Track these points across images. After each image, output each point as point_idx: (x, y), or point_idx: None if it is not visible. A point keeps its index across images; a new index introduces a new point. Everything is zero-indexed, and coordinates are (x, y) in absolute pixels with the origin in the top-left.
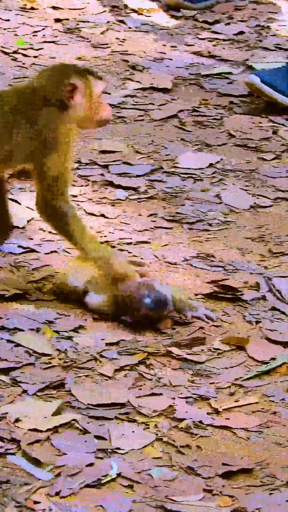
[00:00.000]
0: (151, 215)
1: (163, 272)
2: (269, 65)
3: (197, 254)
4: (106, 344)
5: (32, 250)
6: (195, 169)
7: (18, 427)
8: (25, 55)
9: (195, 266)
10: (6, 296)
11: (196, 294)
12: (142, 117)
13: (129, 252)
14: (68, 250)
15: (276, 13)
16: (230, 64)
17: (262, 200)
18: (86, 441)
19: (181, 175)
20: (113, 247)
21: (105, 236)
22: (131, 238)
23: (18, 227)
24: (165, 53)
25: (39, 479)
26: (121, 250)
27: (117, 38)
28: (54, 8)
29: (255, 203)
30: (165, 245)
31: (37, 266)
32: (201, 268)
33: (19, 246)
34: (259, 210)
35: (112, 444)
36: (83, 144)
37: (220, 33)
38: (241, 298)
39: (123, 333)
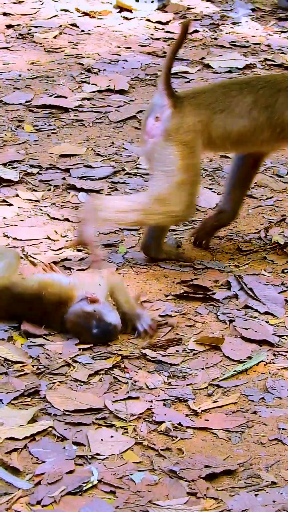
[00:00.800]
0: None
1: (131, 274)
2: (226, 62)
3: None
4: (79, 349)
5: None
6: None
7: None
8: None
9: (163, 267)
10: None
11: (167, 295)
12: (100, 120)
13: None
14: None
15: (230, 10)
16: (186, 63)
17: None
18: (64, 447)
19: (143, 176)
20: (79, 250)
21: (70, 240)
22: (98, 241)
23: None
24: (120, 55)
25: (19, 488)
26: (87, 253)
27: (70, 42)
28: (4, 14)
29: (220, 201)
30: (131, 246)
31: None
32: (170, 269)
33: None
34: None
35: (91, 450)
36: (42, 148)
37: (174, 33)
38: (212, 297)
39: None
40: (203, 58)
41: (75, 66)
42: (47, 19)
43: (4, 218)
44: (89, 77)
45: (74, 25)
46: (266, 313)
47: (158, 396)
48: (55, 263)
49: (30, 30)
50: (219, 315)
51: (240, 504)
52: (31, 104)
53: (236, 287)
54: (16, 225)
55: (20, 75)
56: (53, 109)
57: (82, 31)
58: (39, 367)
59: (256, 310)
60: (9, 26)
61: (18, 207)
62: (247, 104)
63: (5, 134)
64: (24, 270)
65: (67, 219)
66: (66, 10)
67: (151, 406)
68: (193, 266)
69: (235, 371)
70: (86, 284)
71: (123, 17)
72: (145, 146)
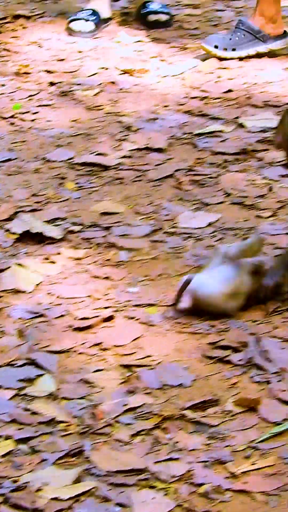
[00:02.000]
0: (159, 275)
1: (169, 332)
2: (259, 122)
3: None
4: (125, 410)
5: (41, 315)
6: (195, 228)
7: (40, 496)
8: (22, 120)
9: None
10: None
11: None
12: (139, 178)
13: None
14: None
15: (262, 70)
16: (221, 122)
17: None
18: (107, 509)
19: (182, 235)
20: (121, 310)
21: (111, 299)
22: (139, 300)
23: (25, 292)
24: (158, 113)
25: None
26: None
27: (109, 100)
28: (47, 72)
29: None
30: (170, 305)
31: (45, 330)
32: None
33: (28, 312)
34: None
35: None
36: (84, 206)
37: (210, 92)
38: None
39: (136, 397)
40: (237, 117)
41: (114, 124)
42: (87, 76)
43: (47, 276)
44: (128, 135)
45: (113, 83)
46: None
47: (198, 457)
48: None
49: (71, 87)
50: (253, 376)
51: None
52: (73, 161)
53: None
54: (60, 283)
55: (62, 133)
56: (94, 167)
57: (121, 89)
58: (83, 426)
59: (268, 371)
60: (51, 84)
61: (62, 265)
62: None
63: (49, 191)
64: None
65: (107, 277)
66: (106, 68)
67: (192, 467)
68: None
69: (271, 433)
70: None
71: (160, 75)
72: None
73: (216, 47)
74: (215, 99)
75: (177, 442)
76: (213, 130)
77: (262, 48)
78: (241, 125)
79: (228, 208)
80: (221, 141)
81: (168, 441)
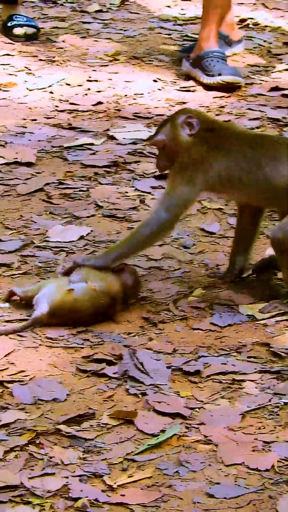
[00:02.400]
0: None
1: (42, 347)
2: (130, 134)
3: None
4: None
5: None
6: (66, 242)
7: None
8: None
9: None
10: None
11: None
12: (8, 193)
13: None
14: None
15: (131, 82)
16: (91, 135)
17: (136, 270)
18: None
19: (53, 249)
20: None
21: None
22: (9, 316)
23: None
24: (26, 127)
25: None
26: None
27: None
28: None
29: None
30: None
31: None
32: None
33: None
34: None
35: None
36: None
37: (79, 105)
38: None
39: (9, 413)
40: (107, 129)
41: None
42: None
43: None
44: None
45: None
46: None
47: (74, 471)
48: None
49: None
50: (129, 389)
51: None
52: None
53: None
54: None
55: None
56: None
57: None
58: None
59: (142, 383)
60: None
61: None
62: None
63: None
64: None
65: None
66: None
67: (67, 482)
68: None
69: (148, 445)
70: None
71: (28, 89)
72: None
73: None
74: (85, 111)
75: (52, 457)
76: (83, 143)
77: (228, 52)
78: (111, 138)
79: (99, 221)
80: (92, 154)
81: (43, 456)
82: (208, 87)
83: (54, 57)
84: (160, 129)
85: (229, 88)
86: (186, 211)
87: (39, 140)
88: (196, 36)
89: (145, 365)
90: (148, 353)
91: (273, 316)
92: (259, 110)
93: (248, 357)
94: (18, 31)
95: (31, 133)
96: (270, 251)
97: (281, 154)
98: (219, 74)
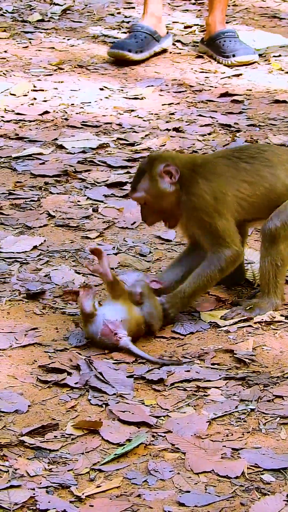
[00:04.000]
0: None
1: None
2: (79, 143)
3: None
4: None
5: None
6: (19, 252)
7: None
8: None
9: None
10: None
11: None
12: None
13: None
14: None
15: (78, 90)
16: (39, 145)
17: (92, 279)
18: None
19: (6, 260)
20: None
21: None
22: None
23: None
24: None
25: None
26: None
27: None
28: None
29: (84, 282)
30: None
31: None
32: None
33: None
34: None
35: None
36: None
37: (25, 114)
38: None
39: None
40: (56, 139)
41: None
42: None
43: None
44: None
45: None
46: (120, 395)
47: (40, 483)
48: None
49: None
50: (91, 400)
51: None
52: None
53: (86, 370)
54: None
55: None
56: None
57: None
58: None
59: (106, 393)
60: None
61: None
62: None
63: None
64: None
65: None
66: None
67: (34, 494)
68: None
69: (115, 454)
70: None
71: None
72: None
73: (129, 51)
74: (31, 121)
75: (17, 469)
76: (31, 153)
77: (157, 47)
78: (60, 147)
79: (52, 231)
80: (41, 164)
81: (8, 468)
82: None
83: None
84: (137, 184)
85: (245, 65)
86: (238, 236)
87: None
88: None
89: (105, 375)
90: (107, 362)
91: (235, 323)
92: (210, 116)
93: (212, 364)
94: None
95: None
96: None
97: (269, 159)
98: (233, 55)
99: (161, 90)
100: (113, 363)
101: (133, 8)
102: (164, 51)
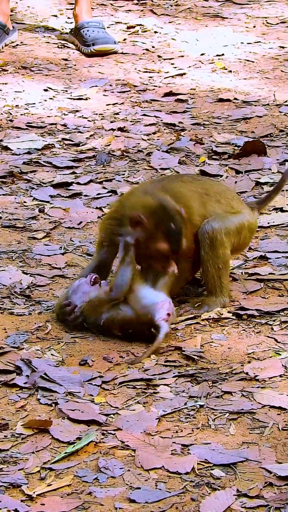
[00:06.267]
0: None
1: None
2: (24, 144)
3: None
4: None
5: None
6: None
7: None
8: None
9: None
10: None
11: None
12: None
13: None
14: None
15: (22, 91)
16: None
17: (39, 279)
18: None
19: None
20: None
21: None
22: None
23: None
24: None
25: None
26: None
27: None
28: None
29: (32, 282)
30: None
31: None
32: None
33: None
34: (39, 290)
35: None
36: None
37: None
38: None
39: None
40: (1, 140)
41: None
42: None
43: None
44: None
45: None
46: (70, 393)
47: None
48: None
49: None
50: (40, 399)
51: None
52: None
53: (27, 372)
54: None
55: None
56: None
57: None
58: None
59: (56, 392)
60: None
61: None
62: None
63: None
64: None
65: None
66: None
67: None
68: None
69: (65, 453)
70: None
71: None
72: None
73: None
74: None
75: None
76: None
77: (7, 40)
78: (5, 148)
79: None
80: None
81: None
82: (88, 55)
83: None
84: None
85: (104, 55)
86: None
87: None
88: None
89: (50, 374)
90: (47, 361)
91: (183, 320)
92: (154, 116)
93: (161, 361)
94: None
95: None
96: None
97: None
98: (93, 44)
99: (105, 90)
100: (56, 363)
101: None
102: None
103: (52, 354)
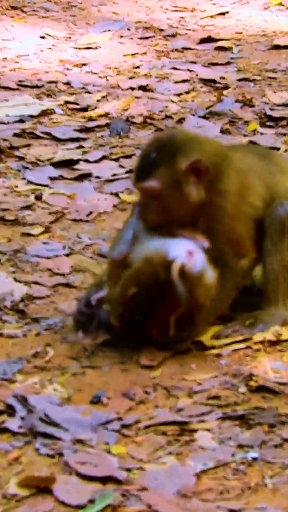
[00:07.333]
0: None
1: None
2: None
3: None
4: None
5: None
6: None
7: None
8: None
9: None
10: None
11: None
12: None
13: None
14: None
15: (12, 39)
16: None
17: (37, 289)
18: None
19: None
20: None
21: None
22: None
23: None
24: None
25: None
26: None
27: None
28: None
29: (27, 293)
30: None
31: None
32: None
33: None
34: (37, 303)
35: None
36: None
37: None
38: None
39: None
40: None
41: None
42: None
43: None
44: None
45: None
46: (78, 441)
47: None
48: None
49: None
50: (39, 448)
51: None
52: None
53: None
54: None
55: None
56: None
57: None
58: None
59: (60, 439)
60: None
61: None
62: None
63: None
64: None
65: None
66: None
67: None
68: None
69: None
70: None
71: None
72: None
73: None
74: None
75: None
76: None
77: None
78: None
79: None
80: None
81: None
82: None
83: None
84: (153, 171)
85: None
86: None
87: None
88: None
89: (52, 416)
90: (52, 399)
91: (228, 344)
92: (188, 69)
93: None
94: None
95: None
96: None
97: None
98: None
99: (121, 36)
100: (58, 400)
101: None
102: None
103: (54, 389)
